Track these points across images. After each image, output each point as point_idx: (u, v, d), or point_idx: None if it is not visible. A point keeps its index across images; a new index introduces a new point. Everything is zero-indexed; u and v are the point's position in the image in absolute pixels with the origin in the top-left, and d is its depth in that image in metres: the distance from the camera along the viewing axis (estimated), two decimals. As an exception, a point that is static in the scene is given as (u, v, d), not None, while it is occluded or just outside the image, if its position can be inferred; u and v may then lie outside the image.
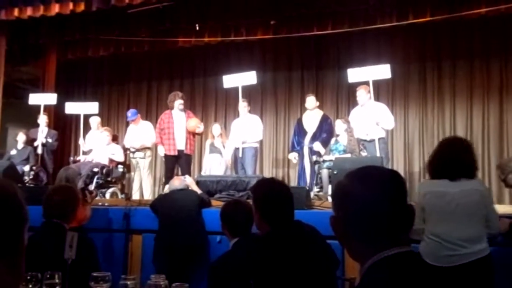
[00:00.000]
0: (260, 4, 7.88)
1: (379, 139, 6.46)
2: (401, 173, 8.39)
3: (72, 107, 8.18)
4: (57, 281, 2.19)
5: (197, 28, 8.42)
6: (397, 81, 8.76)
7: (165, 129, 7.14)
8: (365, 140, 6.68)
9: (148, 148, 7.94)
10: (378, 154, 6.30)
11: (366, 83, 6.68)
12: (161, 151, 7.18)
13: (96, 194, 5.41)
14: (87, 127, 8.32)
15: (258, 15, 8.05)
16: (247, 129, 7.12)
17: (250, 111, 7.57)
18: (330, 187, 6.19)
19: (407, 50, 8.92)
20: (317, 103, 7.60)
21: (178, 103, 7.23)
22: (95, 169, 7.27)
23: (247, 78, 7.17)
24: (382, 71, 6.58)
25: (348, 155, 6.46)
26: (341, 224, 1.28)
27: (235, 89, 7.55)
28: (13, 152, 7.97)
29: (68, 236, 2.48)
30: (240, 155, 7.02)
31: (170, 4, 7.70)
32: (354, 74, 6.71)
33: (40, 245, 2.45)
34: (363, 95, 6.78)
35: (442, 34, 8.65)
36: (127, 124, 8.52)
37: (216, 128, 7.82)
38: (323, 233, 2.46)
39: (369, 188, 1.24)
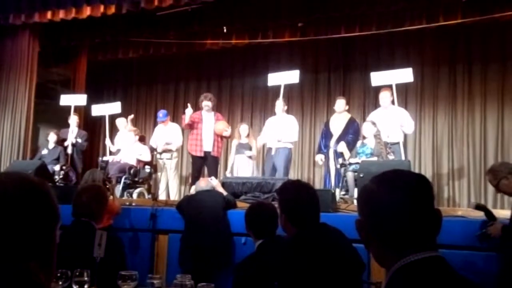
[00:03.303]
0: (288, 6, 7.87)
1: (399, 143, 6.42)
2: (429, 176, 8.24)
3: (97, 109, 8.19)
4: (86, 278, 2.24)
5: (225, 30, 8.48)
6: (426, 84, 8.65)
7: (194, 128, 7.23)
8: (388, 143, 6.62)
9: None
10: (403, 158, 6.21)
11: (390, 86, 6.60)
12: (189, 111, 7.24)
13: (114, 181, 5.39)
14: (116, 128, 8.44)
15: (285, 17, 8.04)
16: (283, 128, 7.07)
17: (287, 111, 7.48)
18: (356, 190, 6.13)
19: (436, 52, 8.77)
20: (347, 107, 7.50)
21: (204, 104, 7.28)
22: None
23: (290, 76, 7.11)
24: (405, 74, 6.48)
25: (375, 158, 6.39)
26: (367, 227, 1.27)
27: (262, 91, 7.53)
28: (44, 151, 8.10)
29: (97, 234, 2.53)
30: (273, 153, 6.97)
31: (198, 7, 7.76)
32: (377, 78, 6.63)
33: (70, 243, 2.50)
34: (388, 98, 6.73)
35: (473, 36, 8.49)
36: (155, 125, 8.59)
37: (244, 128, 7.67)
38: (348, 237, 2.45)
39: (395, 192, 1.23)
